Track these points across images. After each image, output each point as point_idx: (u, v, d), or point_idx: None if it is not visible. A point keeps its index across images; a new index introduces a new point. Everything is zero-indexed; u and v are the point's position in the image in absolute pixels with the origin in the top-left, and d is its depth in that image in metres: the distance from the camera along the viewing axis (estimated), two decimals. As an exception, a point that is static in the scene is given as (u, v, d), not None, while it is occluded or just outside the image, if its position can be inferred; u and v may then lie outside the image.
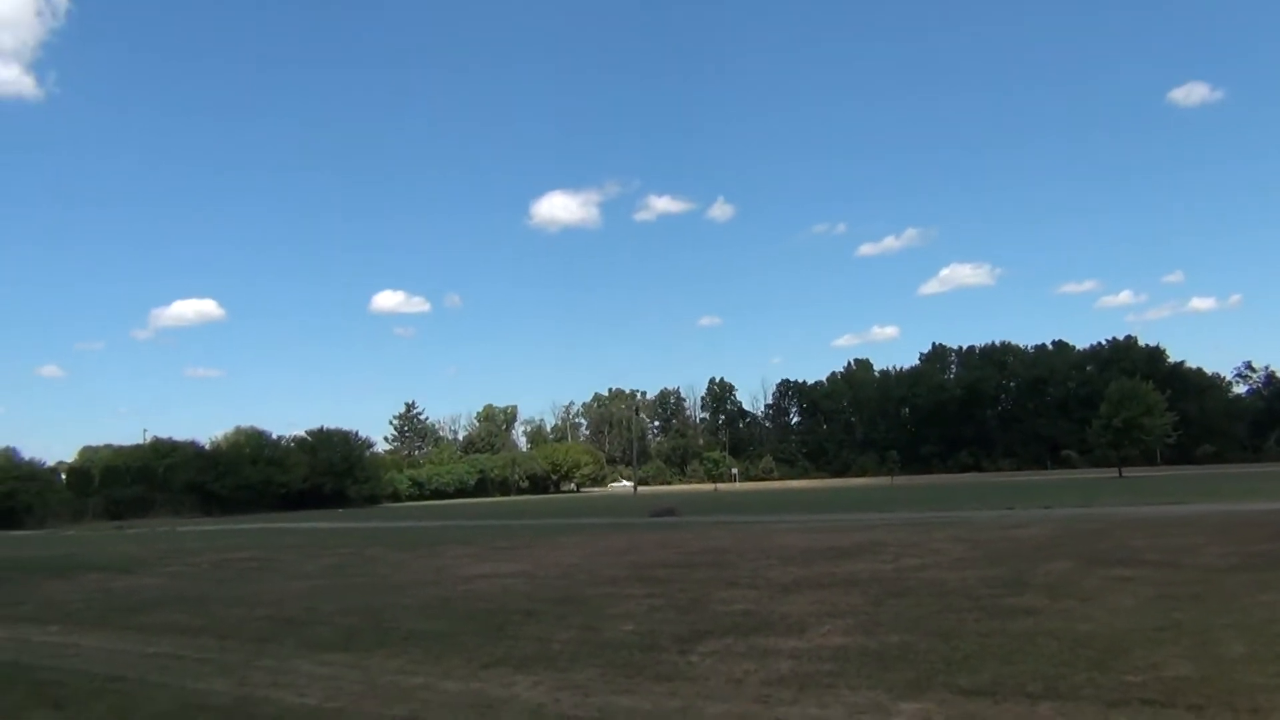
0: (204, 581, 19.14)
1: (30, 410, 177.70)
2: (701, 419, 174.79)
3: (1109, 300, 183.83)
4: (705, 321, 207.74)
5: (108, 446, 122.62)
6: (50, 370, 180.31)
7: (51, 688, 9.07)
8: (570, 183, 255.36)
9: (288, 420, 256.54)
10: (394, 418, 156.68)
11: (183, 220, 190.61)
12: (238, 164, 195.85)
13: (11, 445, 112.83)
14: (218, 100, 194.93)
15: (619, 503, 68.81)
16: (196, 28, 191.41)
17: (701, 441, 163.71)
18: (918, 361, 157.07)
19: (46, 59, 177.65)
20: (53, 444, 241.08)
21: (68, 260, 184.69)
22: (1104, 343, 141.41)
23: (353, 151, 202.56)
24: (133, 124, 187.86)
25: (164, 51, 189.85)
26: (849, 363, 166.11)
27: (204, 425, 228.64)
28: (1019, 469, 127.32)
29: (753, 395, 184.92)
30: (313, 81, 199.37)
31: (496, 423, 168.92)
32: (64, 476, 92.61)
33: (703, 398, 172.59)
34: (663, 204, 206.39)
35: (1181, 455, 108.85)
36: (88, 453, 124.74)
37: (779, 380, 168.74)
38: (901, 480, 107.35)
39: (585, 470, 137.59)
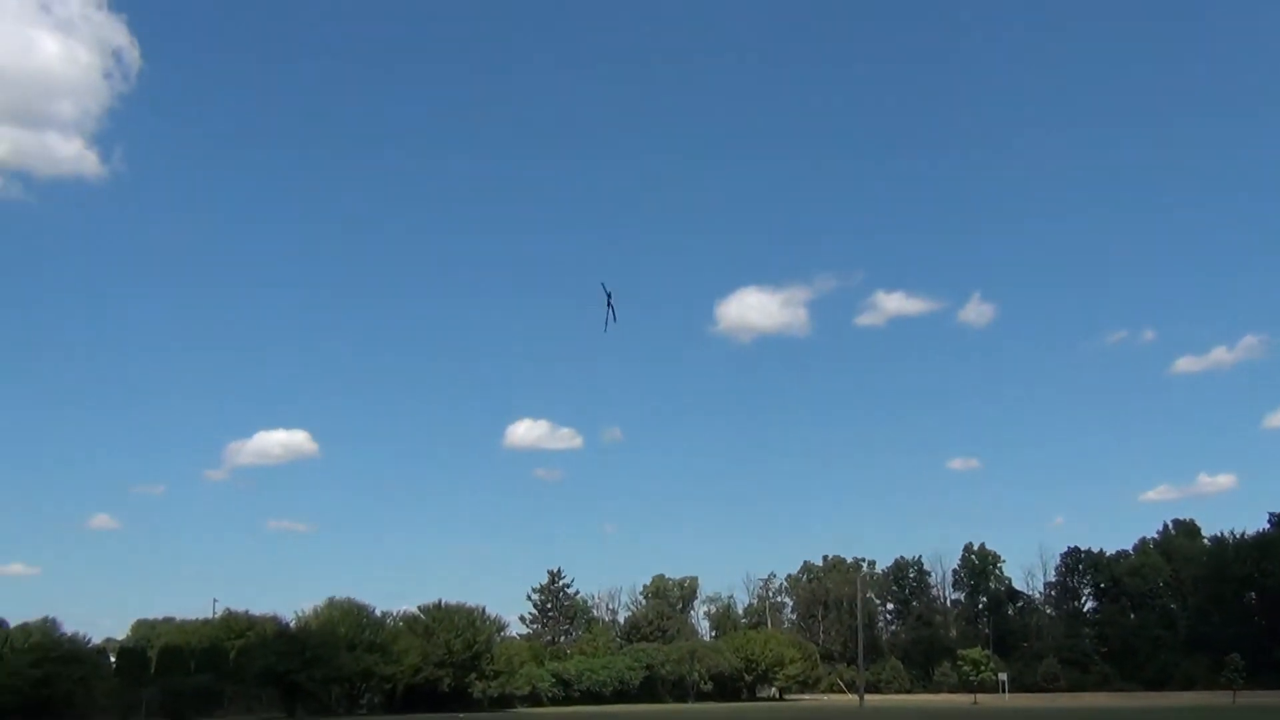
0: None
1: (76, 571, 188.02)
2: (954, 601, 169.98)
3: None
4: (957, 464, 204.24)
5: (168, 620, 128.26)
6: (101, 521, 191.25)
7: None
8: (769, 276, 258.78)
9: (394, 591, 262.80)
10: (533, 590, 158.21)
11: (269, 332, 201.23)
12: (337, 263, 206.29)
13: (52, 616, 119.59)
14: (310, 185, 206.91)
15: (839, 718, 67.01)
16: (296, 96, 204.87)
17: (954, 634, 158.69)
18: (1267, 525, 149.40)
19: (113, 130, 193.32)
20: (101, 615, 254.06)
21: (125, 379, 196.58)
22: None
23: (479, 240, 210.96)
24: (211, 211, 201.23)
25: (250, 128, 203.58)
26: (1165, 525, 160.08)
27: (288, 595, 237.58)
28: None
29: (1027, 570, 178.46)
30: (427, 164, 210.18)
31: (669, 601, 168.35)
32: (113, 659, 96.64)
33: (955, 571, 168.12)
34: (895, 303, 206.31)
35: None
36: (143, 628, 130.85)
37: (1064, 549, 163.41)
38: (1248, 697, 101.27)
39: (792, 669, 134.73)
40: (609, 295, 61.44)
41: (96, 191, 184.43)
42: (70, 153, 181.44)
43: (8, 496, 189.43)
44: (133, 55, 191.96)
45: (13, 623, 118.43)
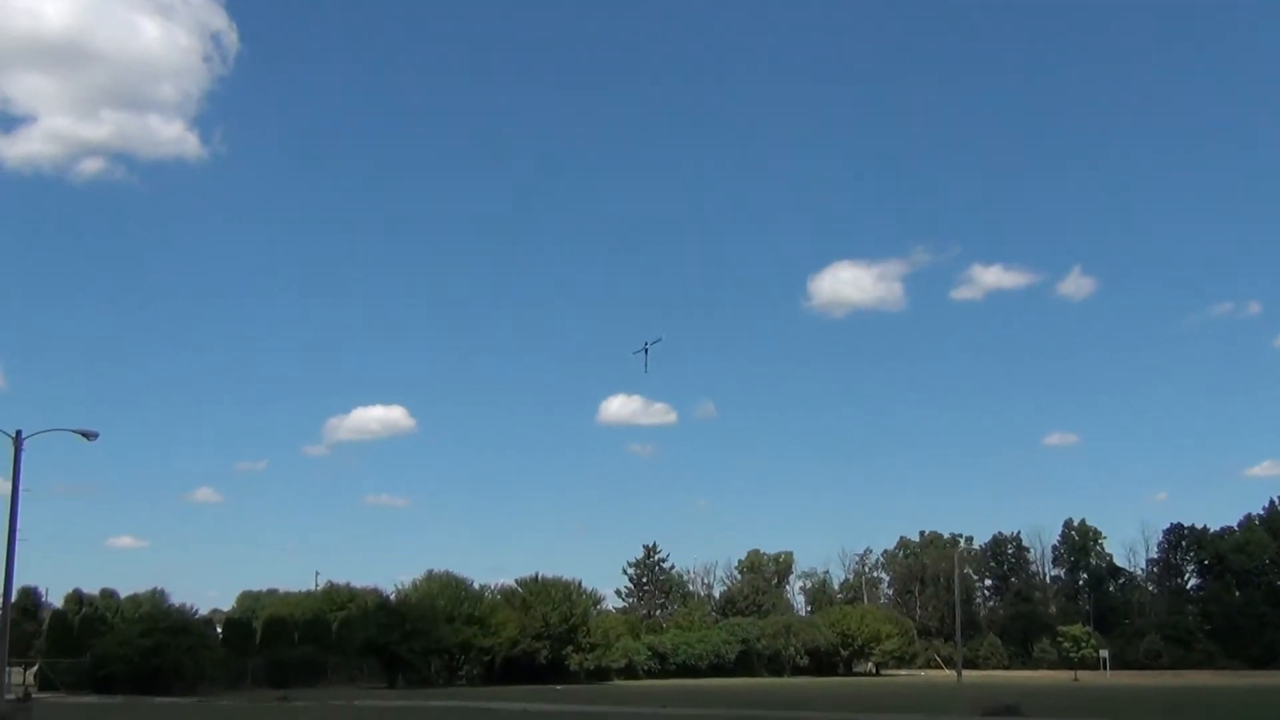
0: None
1: (182, 543, 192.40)
2: (1054, 577, 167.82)
3: None
4: (1055, 440, 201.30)
5: (272, 592, 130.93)
6: (205, 494, 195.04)
7: None
8: (863, 250, 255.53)
9: (490, 565, 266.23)
10: (628, 564, 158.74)
11: (365, 309, 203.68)
12: (431, 239, 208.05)
13: (160, 587, 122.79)
14: (410, 162, 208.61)
15: (936, 694, 66.58)
16: (395, 74, 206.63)
17: (1054, 610, 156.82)
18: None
19: (212, 113, 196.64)
20: (207, 587, 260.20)
21: (227, 358, 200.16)
22: None
23: (572, 215, 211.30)
24: (309, 191, 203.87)
25: (346, 108, 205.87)
26: (1271, 501, 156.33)
27: (386, 567, 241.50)
28: None
29: (1128, 546, 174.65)
30: (526, 136, 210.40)
31: (764, 575, 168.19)
32: (220, 630, 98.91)
33: (1054, 547, 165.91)
34: (992, 276, 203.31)
35: None
36: (248, 599, 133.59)
37: (1167, 525, 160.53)
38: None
39: (888, 645, 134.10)
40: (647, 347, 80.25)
41: (198, 172, 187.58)
42: (172, 135, 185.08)
43: (118, 471, 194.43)
44: (231, 38, 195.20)
45: (123, 593, 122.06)
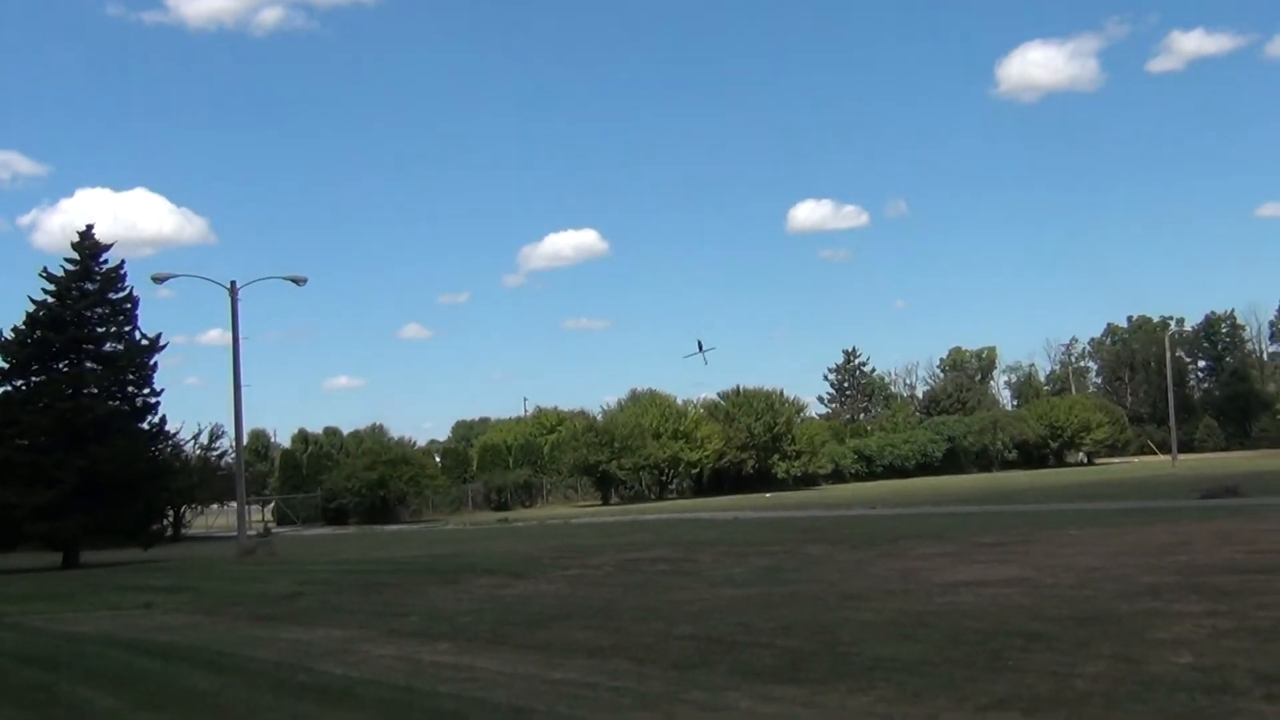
0: (609, 588, 20.62)
1: (395, 379, 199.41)
2: (1272, 354, 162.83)
3: None
4: (1267, 211, 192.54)
5: (484, 420, 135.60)
6: (413, 330, 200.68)
7: None
8: (1052, 28, 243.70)
9: (691, 380, 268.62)
10: (829, 370, 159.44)
11: (548, 134, 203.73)
12: (609, 57, 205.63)
13: (379, 423, 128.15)
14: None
15: (1151, 479, 65.78)
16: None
17: (1272, 388, 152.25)
18: None
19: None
20: (422, 419, 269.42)
21: (420, 195, 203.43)
22: None
23: (749, 19, 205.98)
24: (490, 19, 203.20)
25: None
26: None
27: (589, 390, 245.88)
28: None
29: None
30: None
31: (967, 372, 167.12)
32: (438, 459, 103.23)
33: (1272, 323, 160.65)
34: (1192, 43, 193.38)
35: None
36: (462, 428, 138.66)
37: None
38: None
39: (1099, 434, 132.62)
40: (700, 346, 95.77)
41: (375, 11, 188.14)
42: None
43: (330, 314, 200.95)
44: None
45: (345, 431, 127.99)
